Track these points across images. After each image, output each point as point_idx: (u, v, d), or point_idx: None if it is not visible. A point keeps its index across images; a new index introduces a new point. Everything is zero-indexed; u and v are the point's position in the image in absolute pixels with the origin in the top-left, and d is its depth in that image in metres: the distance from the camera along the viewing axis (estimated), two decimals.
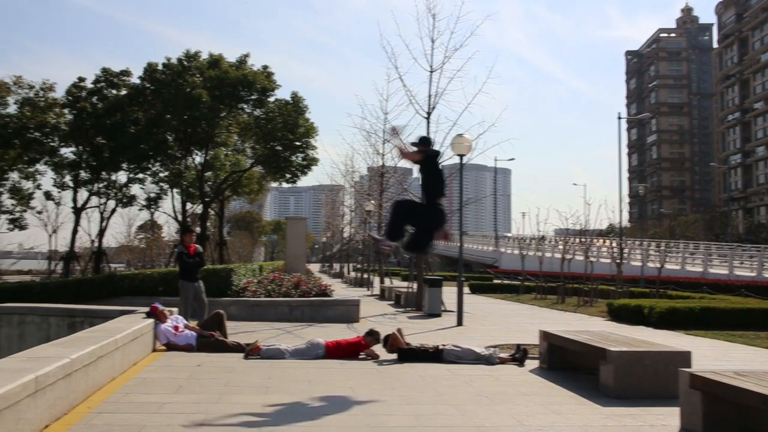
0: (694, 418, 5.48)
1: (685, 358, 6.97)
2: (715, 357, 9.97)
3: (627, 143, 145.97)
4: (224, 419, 5.60)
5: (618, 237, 34.72)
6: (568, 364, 8.46)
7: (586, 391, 7.18)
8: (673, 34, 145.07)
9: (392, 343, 9.36)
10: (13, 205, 41.17)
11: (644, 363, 6.98)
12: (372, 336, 9.58)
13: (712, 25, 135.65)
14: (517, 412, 6.19)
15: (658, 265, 24.99)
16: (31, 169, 40.95)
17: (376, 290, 28.99)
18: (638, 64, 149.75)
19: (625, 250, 34.43)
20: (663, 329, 14.27)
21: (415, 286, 19.89)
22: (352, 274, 47.32)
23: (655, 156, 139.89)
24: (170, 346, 9.58)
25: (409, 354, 9.15)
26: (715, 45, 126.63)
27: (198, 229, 44.58)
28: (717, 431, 5.33)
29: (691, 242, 55.25)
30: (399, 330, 9.82)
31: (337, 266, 65.01)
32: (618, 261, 25.99)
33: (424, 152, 7.87)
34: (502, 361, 9.01)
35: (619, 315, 16.85)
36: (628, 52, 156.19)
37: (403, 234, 8.07)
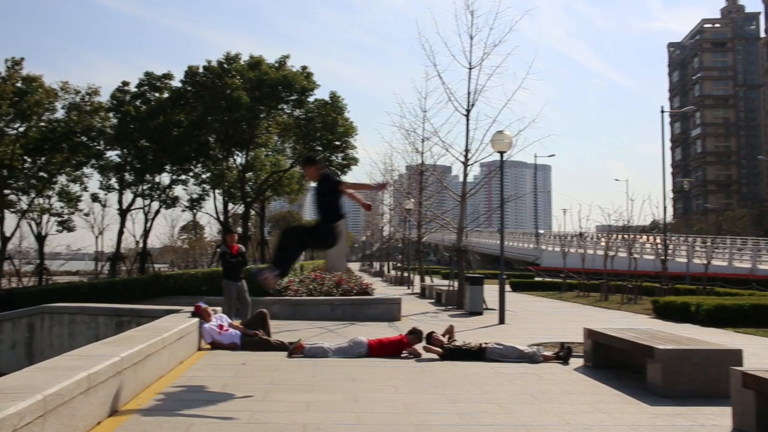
0: (747, 418, 5.35)
1: (736, 356, 6.81)
2: (767, 355, 9.70)
3: (670, 137, 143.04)
4: (270, 417, 5.66)
5: (662, 233, 34.09)
6: (613, 363, 8.34)
7: (633, 389, 7.06)
8: (717, 24, 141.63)
9: (435, 341, 9.36)
10: (61, 207, 42.30)
11: (693, 361, 6.84)
12: (414, 335, 9.57)
13: (759, 13, 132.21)
14: (563, 410, 6.12)
15: (705, 262, 24.46)
16: (78, 173, 42.00)
17: (417, 289, 28.96)
18: (681, 56, 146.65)
19: (670, 247, 33.79)
20: (711, 327, 13.96)
21: (456, 284, 19.83)
22: (392, 272, 47.40)
23: (699, 150, 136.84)
24: (215, 345, 9.72)
25: (453, 352, 9.13)
26: (762, 34, 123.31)
27: (240, 230, 45.15)
28: None
29: (739, 238, 53.93)
30: (451, 327, 9.84)
31: (376, 265, 65.15)
32: (663, 257, 25.53)
33: (321, 172, 7.68)
34: (546, 359, 8.92)
35: (664, 312, 16.54)
36: (670, 44, 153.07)
37: (290, 264, 7.72)
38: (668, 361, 6.83)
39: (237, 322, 10.61)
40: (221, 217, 46.62)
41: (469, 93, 18.76)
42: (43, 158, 39.02)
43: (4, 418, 3.75)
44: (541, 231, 70.53)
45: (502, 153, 16.27)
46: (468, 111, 18.81)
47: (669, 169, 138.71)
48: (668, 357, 6.84)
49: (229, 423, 5.43)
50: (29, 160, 39.23)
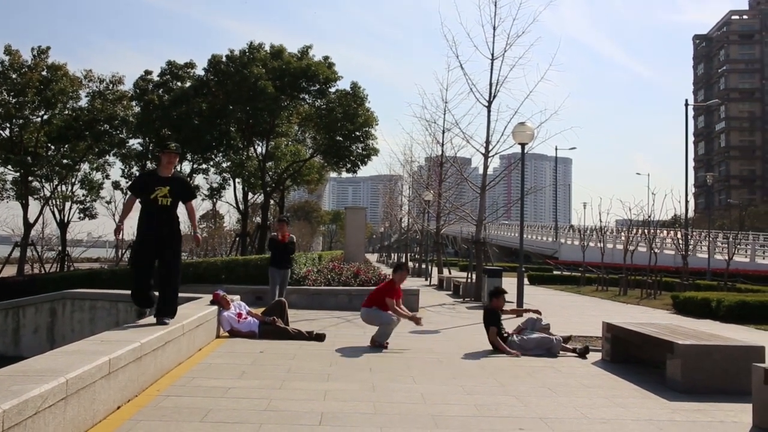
0: (767, 415, 5.29)
1: (758, 353, 6.73)
2: None
3: (693, 131, 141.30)
4: (287, 405, 5.70)
5: (683, 228, 33.73)
6: (632, 357, 8.28)
7: (652, 384, 7.02)
8: (745, 16, 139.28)
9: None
10: (84, 195, 42.71)
11: (714, 357, 6.77)
12: (399, 269, 9.90)
13: None
14: (581, 404, 6.10)
15: (727, 257, 24.18)
16: (100, 161, 42.37)
17: (435, 280, 28.96)
18: (707, 48, 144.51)
19: (691, 242, 33.43)
20: (731, 323, 13.82)
21: (474, 276, 19.78)
22: (410, 264, 47.38)
23: (723, 144, 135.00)
24: (233, 333, 9.80)
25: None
26: None
27: (259, 219, 45.35)
28: None
29: (762, 234, 53.20)
30: (538, 312, 9.90)
31: (395, 256, 65.21)
32: (683, 253, 25.28)
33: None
34: (563, 349, 8.94)
35: (684, 308, 16.39)
36: (696, 36, 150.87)
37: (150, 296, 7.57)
38: (688, 357, 6.77)
39: (257, 311, 10.68)
40: (241, 207, 46.87)
41: (491, 84, 18.66)
42: (66, 146, 39.41)
43: (27, 399, 3.81)
44: (560, 224, 70.07)
45: (523, 145, 16.17)
46: (490, 102, 18.71)
47: (692, 164, 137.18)
48: (688, 352, 6.78)
49: (246, 410, 5.47)
50: (53, 147, 39.62)
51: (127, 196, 7.77)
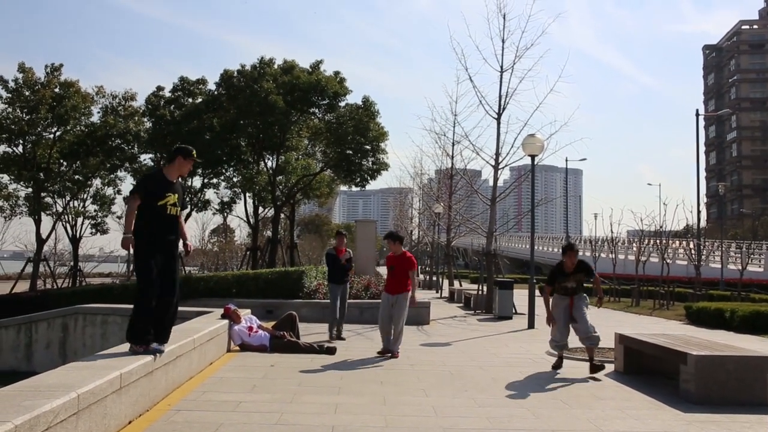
0: None
1: None
2: None
3: (705, 141, 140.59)
4: (298, 419, 5.68)
5: (696, 238, 33.50)
6: (645, 368, 8.21)
7: (666, 396, 6.95)
8: (755, 26, 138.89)
9: None
10: (95, 210, 42.94)
11: (728, 368, 6.70)
12: (393, 238, 10.17)
13: None
14: (594, 416, 6.04)
15: (740, 267, 23.98)
16: (112, 176, 42.65)
17: (446, 293, 28.86)
18: (717, 58, 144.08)
19: (704, 252, 33.18)
20: (745, 333, 13.68)
21: (485, 288, 19.72)
22: (421, 276, 47.26)
23: (735, 154, 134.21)
24: (244, 347, 9.80)
25: None
26: None
27: (269, 233, 45.44)
28: None
29: None
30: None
31: None
32: (696, 263, 25.10)
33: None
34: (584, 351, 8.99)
35: (698, 318, 16.25)
36: (705, 47, 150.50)
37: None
38: (702, 368, 6.70)
39: (268, 325, 10.68)
40: (251, 221, 46.98)
41: (500, 96, 18.66)
42: (78, 162, 39.70)
43: (39, 415, 3.82)
44: (571, 235, 69.79)
45: (533, 156, 16.15)
46: (499, 114, 18.71)
47: (703, 174, 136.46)
48: (702, 363, 6.72)
49: (257, 424, 5.46)
50: (65, 163, 39.94)
51: (131, 198, 6.26)
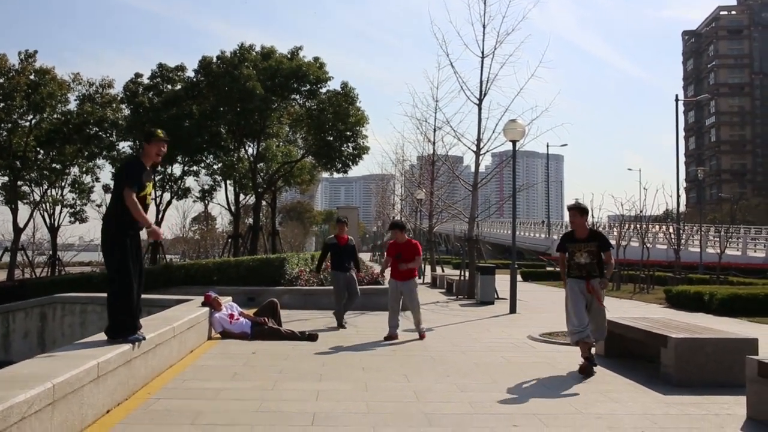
0: (762, 407, 5.27)
1: (751, 345, 6.72)
2: None
3: (684, 126, 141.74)
4: (279, 406, 5.64)
5: (675, 222, 33.80)
6: (626, 352, 8.26)
7: (646, 379, 6.99)
8: (733, 12, 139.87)
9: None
10: (74, 198, 42.47)
11: (707, 350, 6.75)
12: (400, 227, 10.50)
13: None
14: (575, 400, 6.06)
15: (718, 251, 24.25)
16: (90, 164, 42.15)
17: (428, 278, 28.93)
18: (696, 44, 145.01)
19: (683, 236, 33.49)
20: (724, 316, 13.83)
21: (467, 273, 19.77)
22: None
23: (713, 139, 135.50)
24: (225, 334, 9.73)
25: None
26: None
27: (250, 220, 45.23)
28: None
29: (753, 227, 53.40)
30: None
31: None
32: (676, 247, 25.35)
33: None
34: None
35: (677, 302, 16.42)
36: (685, 32, 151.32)
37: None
38: (682, 350, 6.75)
39: (249, 312, 10.61)
40: (233, 208, 46.72)
41: (481, 82, 18.65)
42: (55, 150, 39.18)
43: (12, 405, 3.74)
44: (553, 221, 70.14)
45: (514, 142, 16.15)
46: (480, 100, 18.69)
47: (682, 159, 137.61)
48: (682, 346, 6.76)
49: (238, 411, 5.41)
50: (42, 151, 39.40)
51: (129, 193, 5.88)
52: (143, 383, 6.25)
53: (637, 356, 8.10)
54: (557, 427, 5.13)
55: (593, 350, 7.45)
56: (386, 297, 14.90)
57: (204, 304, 9.81)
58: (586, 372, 7.14)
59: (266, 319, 10.04)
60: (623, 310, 15.74)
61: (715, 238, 38.35)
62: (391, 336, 9.93)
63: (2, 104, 36.30)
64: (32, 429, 3.96)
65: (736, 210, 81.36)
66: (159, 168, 40.56)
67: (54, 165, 40.06)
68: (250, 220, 48.02)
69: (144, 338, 6.19)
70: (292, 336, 9.77)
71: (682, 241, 30.13)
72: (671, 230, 35.46)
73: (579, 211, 7.59)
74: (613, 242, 27.16)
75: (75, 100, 39.84)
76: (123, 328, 5.96)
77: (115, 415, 5.23)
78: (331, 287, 15.52)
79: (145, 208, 6.07)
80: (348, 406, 5.64)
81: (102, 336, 6.12)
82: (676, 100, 36.31)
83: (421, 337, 10.10)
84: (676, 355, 6.75)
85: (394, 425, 5.09)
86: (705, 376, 6.66)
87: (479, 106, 18.71)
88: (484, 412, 5.56)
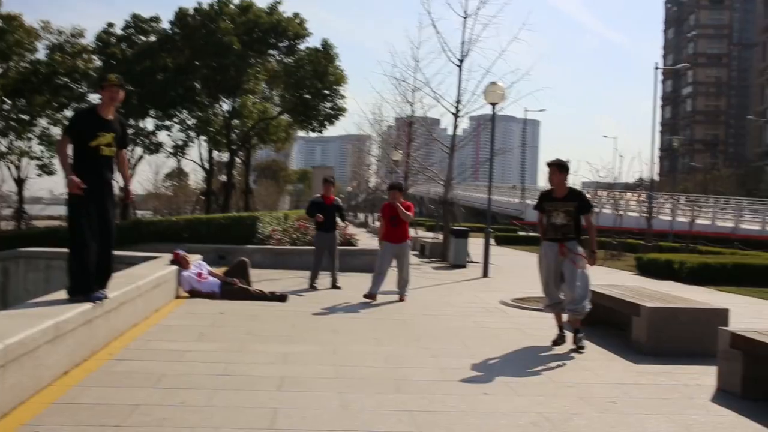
0: (732, 378, 5.25)
1: (722, 316, 6.70)
2: (751, 315, 9.64)
3: (661, 95, 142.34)
4: (245, 369, 5.49)
5: (648, 191, 34.04)
6: (597, 319, 8.22)
7: (617, 347, 6.97)
8: None
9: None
10: (41, 151, 41.46)
11: (680, 320, 6.73)
12: (399, 188, 10.63)
13: None
14: (546, 368, 6.01)
15: (689, 220, 24.46)
16: (59, 116, 41.07)
17: None
18: (678, 12, 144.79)
19: (654, 204, 33.78)
20: (693, 285, 13.94)
21: (441, 236, 19.70)
22: (377, 223, 47.27)
23: (689, 109, 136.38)
24: (193, 293, 9.53)
25: None
26: None
27: (224, 177, 44.71)
28: (755, 392, 5.09)
29: (722, 197, 54.10)
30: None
31: (361, 216, 64.93)
32: (648, 215, 25.52)
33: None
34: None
35: (647, 269, 16.52)
36: (667, 1, 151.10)
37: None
38: (654, 320, 6.72)
39: (219, 271, 10.43)
40: (206, 165, 46.06)
41: (462, 42, 18.29)
42: (23, 100, 38.07)
43: None
44: (527, 185, 70.34)
45: (494, 105, 15.94)
46: (461, 61, 18.36)
47: (658, 128, 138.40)
48: (654, 315, 6.73)
49: (202, 375, 5.26)
50: (8, 101, 38.27)
51: (60, 141, 5.85)
52: (105, 343, 6.05)
53: (607, 323, 8.08)
54: (528, 395, 5.06)
55: (564, 317, 7.31)
56: (360, 258, 14.92)
57: (172, 262, 9.58)
58: (555, 341, 7.06)
59: (236, 280, 9.86)
60: (594, 276, 15.78)
61: (685, 207, 38.78)
62: (372, 296, 9.88)
63: None
64: None
65: (708, 180, 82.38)
66: (131, 121, 39.64)
67: (21, 116, 38.96)
68: (224, 177, 47.43)
69: (106, 297, 5.99)
70: (261, 296, 9.61)
71: (654, 209, 30.32)
72: (643, 198, 35.71)
73: (558, 167, 7.04)
74: None
75: (44, 49, 38.65)
76: (72, 286, 5.75)
77: (73, 376, 5.04)
78: (305, 247, 15.44)
79: (102, 160, 5.82)
80: (316, 371, 5.51)
81: (63, 294, 5.90)
82: (656, 68, 36.31)
83: (401, 299, 10.08)
84: (648, 324, 6.72)
85: (361, 391, 4.97)
86: (676, 345, 6.65)
87: (460, 67, 18.41)
88: (454, 378, 5.47)
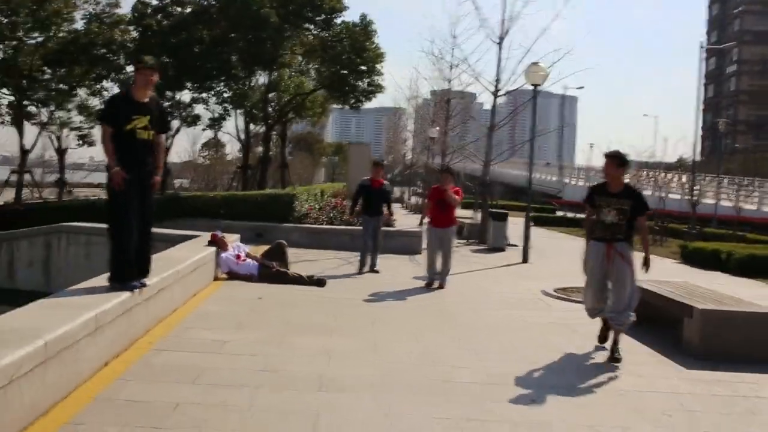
0: None
1: None
2: None
3: (704, 74, 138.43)
4: (285, 365, 5.36)
5: (690, 172, 33.15)
6: (647, 316, 7.92)
7: (667, 348, 6.65)
8: None
9: None
10: (81, 122, 41.81)
11: (736, 323, 6.42)
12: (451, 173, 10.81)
13: None
14: (595, 371, 5.79)
15: (733, 204, 23.73)
16: (97, 86, 41.28)
17: None
18: None
19: (697, 187, 32.89)
20: (741, 277, 13.47)
21: (479, 216, 19.43)
22: (413, 199, 46.98)
23: (733, 88, 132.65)
24: (231, 275, 9.47)
25: None
26: None
27: (260, 150, 44.76)
28: None
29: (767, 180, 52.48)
30: None
31: (397, 191, 64.61)
32: (692, 198, 24.84)
33: None
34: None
35: (692, 258, 16.02)
36: None
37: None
38: (708, 322, 6.41)
39: (256, 249, 10.35)
40: (242, 137, 46.11)
41: (503, 20, 17.85)
42: (63, 70, 38.31)
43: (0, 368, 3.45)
44: (565, 163, 69.24)
45: (536, 86, 15.52)
46: (501, 39, 17.94)
47: (701, 107, 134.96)
48: (709, 318, 6.42)
49: (242, 370, 5.14)
50: (49, 71, 38.55)
51: (101, 130, 5.79)
52: (144, 331, 5.98)
53: (657, 320, 7.77)
54: (579, 405, 4.85)
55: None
56: (397, 240, 14.77)
57: (210, 244, 9.52)
58: (601, 340, 6.67)
59: (274, 264, 9.77)
60: (638, 264, 15.41)
61: (729, 189, 37.72)
62: (431, 284, 10.00)
63: (7, 20, 35.28)
64: (21, 392, 3.68)
65: (752, 161, 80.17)
66: (168, 93, 39.76)
67: (61, 85, 39.27)
68: (260, 149, 47.43)
69: (145, 285, 5.90)
70: (299, 280, 9.52)
71: (697, 192, 29.47)
72: (684, 180, 34.80)
73: (616, 160, 6.30)
74: None
75: (81, 19, 38.75)
76: (113, 273, 5.68)
77: (112, 368, 4.96)
78: (342, 227, 15.35)
79: (139, 143, 5.69)
80: (357, 370, 5.34)
81: (102, 281, 5.82)
82: (701, 46, 35.21)
83: (441, 286, 9.96)
84: (701, 327, 6.42)
85: (404, 395, 4.80)
86: (731, 350, 6.32)
87: (500, 45, 17.98)
88: (501, 382, 5.26)
